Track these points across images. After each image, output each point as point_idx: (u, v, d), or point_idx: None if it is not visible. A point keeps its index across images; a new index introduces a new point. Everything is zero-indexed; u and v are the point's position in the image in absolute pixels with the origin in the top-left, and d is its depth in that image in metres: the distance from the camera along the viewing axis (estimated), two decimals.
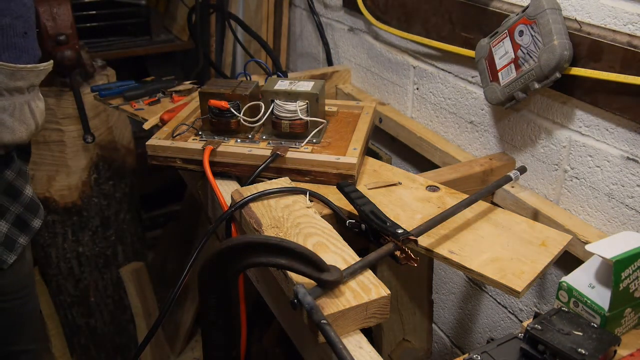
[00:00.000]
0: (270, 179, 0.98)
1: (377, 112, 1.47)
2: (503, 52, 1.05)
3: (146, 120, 1.27)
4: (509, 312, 1.30)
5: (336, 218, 0.92)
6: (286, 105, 1.05)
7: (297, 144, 1.05)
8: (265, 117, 1.06)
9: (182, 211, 2.16)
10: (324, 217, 0.88)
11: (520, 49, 1.01)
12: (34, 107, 1.04)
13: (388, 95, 1.53)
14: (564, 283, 0.76)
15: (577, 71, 0.95)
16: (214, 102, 1.06)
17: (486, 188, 0.99)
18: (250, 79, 1.23)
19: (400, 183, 1.02)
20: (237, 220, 0.91)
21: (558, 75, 0.96)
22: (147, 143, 1.06)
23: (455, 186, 1.05)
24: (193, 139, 1.08)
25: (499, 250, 0.85)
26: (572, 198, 1.06)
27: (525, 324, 0.70)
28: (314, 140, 1.06)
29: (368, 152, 1.15)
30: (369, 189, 1.00)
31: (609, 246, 0.74)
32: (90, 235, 1.82)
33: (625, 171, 0.95)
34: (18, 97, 1.00)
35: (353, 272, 0.72)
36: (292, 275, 0.72)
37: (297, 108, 1.04)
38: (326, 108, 1.17)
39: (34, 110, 1.04)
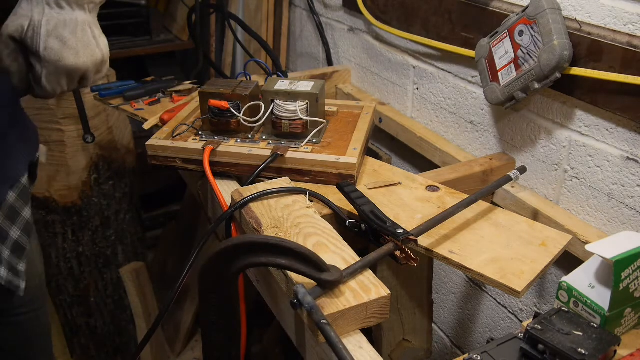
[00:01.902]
0: (270, 179, 0.98)
1: (377, 112, 1.47)
2: (503, 52, 1.05)
3: (146, 120, 1.27)
4: (509, 312, 1.30)
5: (336, 218, 0.92)
6: (286, 105, 1.05)
7: (297, 144, 1.05)
8: (265, 117, 1.06)
9: (182, 211, 2.16)
10: (324, 217, 0.88)
11: (520, 49, 1.01)
12: (97, 34, 0.98)
13: (388, 95, 1.53)
14: (564, 283, 0.76)
15: (577, 71, 0.95)
16: (214, 102, 1.06)
17: (486, 188, 0.99)
18: (250, 79, 1.23)
19: (400, 183, 1.02)
20: (237, 220, 0.91)
21: (558, 75, 0.96)
22: (147, 143, 1.06)
23: (455, 186, 1.05)
24: (193, 139, 1.08)
25: (499, 250, 0.85)
26: (572, 198, 1.06)
27: (525, 324, 0.70)
28: (314, 140, 1.06)
29: (368, 152, 1.15)
30: (369, 189, 1.00)
31: (609, 246, 0.74)
32: (90, 235, 1.82)
33: (625, 171, 0.95)
34: (79, 14, 0.94)
35: (353, 272, 0.72)
36: (292, 275, 0.72)
37: (297, 108, 1.04)
38: (326, 108, 1.17)
39: (98, 39, 0.98)
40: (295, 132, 1.06)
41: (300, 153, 1.01)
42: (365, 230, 0.86)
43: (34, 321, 1.26)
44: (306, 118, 1.05)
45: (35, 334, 1.29)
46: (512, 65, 1.03)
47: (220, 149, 1.02)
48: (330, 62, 1.75)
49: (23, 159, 1.07)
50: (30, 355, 1.30)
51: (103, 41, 1.00)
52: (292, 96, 1.05)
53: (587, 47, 0.94)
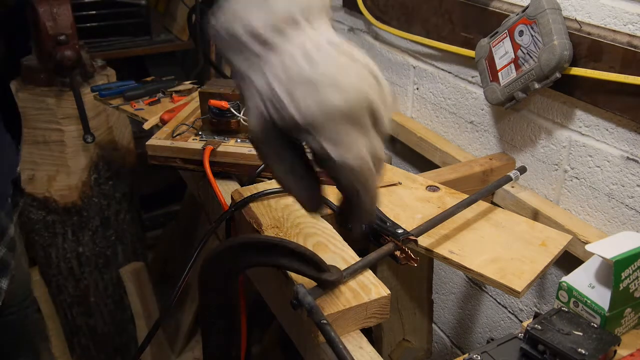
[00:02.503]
0: (270, 179, 0.98)
1: None
2: (503, 52, 1.05)
3: (146, 120, 1.27)
4: (509, 312, 1.30)
5: (336, 218, 0.92)
6: None
7: None
8: None
9: (182, 211, 2.16)
10: (323, 217, 0.88)
11: (520, 49, 1.01)
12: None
13: None
14: (564, 283, 0.76)
15: (577, 71, 0.95)
16: (214, 102, 1.06)
17: (486, 188, 0.99)
18: None
19: (400, 183, 1.02)
20: (237, 220, 0.91)
21: (558, 75, 0.96)
22: (147, 143, 1.06)
23: (455, 186, 1.05)
24: (193, 139, 1.08)
25: (499, 250, 0.85)
26: (572, 198, 1.06)
27: (525, 324, 0.70)
28: None
29: None
30: None
31: (609, 246, 0.74)
32: (90, 235, 1.82)
33: (625, 171, 0.95)
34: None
35: (353, 272, 0.72)
36: (292, 275, 0.72)
37: None
38: None
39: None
40: None
41: None
42: (365, 230, 0.86)
43: (23, 319, 1.26)
44: None
45: (25, 332, 1.29)
46: (512, 65, 1.03)
47: (220, 149, 1.02)
48: None
49: (5, 175, 1.06)
50: (22, 353, 1.30)
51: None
52: None
53: (587, 47, 0.94)
